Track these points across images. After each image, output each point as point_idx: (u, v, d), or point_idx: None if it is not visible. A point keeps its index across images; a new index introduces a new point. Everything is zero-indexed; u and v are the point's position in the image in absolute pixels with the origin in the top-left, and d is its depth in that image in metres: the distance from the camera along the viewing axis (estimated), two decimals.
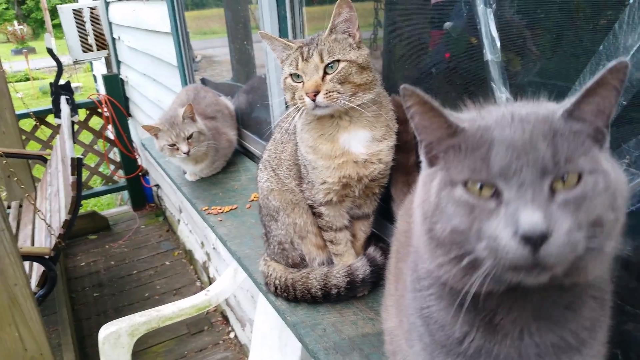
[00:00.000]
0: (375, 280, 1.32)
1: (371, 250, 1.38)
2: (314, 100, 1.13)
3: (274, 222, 1.39)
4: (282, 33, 1.76)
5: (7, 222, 2.28)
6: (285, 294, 1.35)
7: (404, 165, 1.32)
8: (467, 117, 0.64)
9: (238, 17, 2.40)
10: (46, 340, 2.58)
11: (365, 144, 1.21)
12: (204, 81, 3.02)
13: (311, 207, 1.32)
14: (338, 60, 1.14)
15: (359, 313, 1.28)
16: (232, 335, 3.37)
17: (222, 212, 1.89)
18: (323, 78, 1.14)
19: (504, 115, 0.60)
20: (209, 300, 2.21)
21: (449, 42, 1.17)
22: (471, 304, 0.61)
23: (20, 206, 4.02)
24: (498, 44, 0.97)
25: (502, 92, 0.98)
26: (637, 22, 0.74)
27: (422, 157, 0.68)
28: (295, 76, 1.17)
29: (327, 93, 1.13)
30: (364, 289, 1.33)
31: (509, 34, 0.99)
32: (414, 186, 1.17)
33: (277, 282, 1.36)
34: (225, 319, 3.51)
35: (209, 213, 1.90)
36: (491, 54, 0.98)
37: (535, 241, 0.52)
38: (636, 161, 0.78)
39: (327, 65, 1.14)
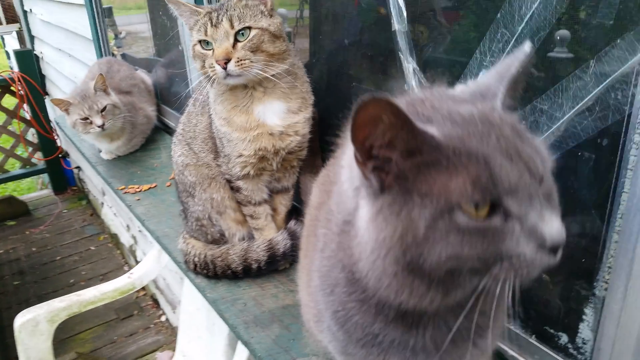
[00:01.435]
0: (297, 254, 1.32)
1: (292, 224, 1.38)
2: (225, 69, 1.10)
3: (191, 198, 1.36)
4: (197, 1, 1.70)
5: None
6: (205, 271, 1.33)
7: (311, 166, 1.33)
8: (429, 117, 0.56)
9: None
10: None
11: (280, 116, 1.20)
12: (124, 57, 2.92)
13: (229, 181, 1.30)
14: (249, 28, 1.11)
15: (279, 286, 1.29)
16: (163, 318, 3.32)
17: (140, 191, 1.84)
18: (234, 45, 1.10)
19: (471, 119, 0.55)
20: (133, 283, 2.15)
21: (360, 13, 1.17)
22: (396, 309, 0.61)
23: None
24: (404, 13, 0.98)
25: (409, 62, 1.00)
26: None
27: (365, 184, 0.58)
28: (204, 43, 1.13)
29: (238, 61, 1.10)
30: (285, 263, 1.34)
31: (415, 4, 1.00)
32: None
33: (196, 259, 1.34)
34: (156, 302, 3.45)
35: (125, 192, 1.84)
36: (398, 23, 0.99)
37: (559, 247, 0.53)
38: (530, 126, 0.81)
39: (237, 32, 1.10)
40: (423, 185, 0.54)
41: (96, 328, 3.27)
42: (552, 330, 0.88)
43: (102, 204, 4.24)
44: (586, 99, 0.72)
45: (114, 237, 4.06)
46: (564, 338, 0.86)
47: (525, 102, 0.82)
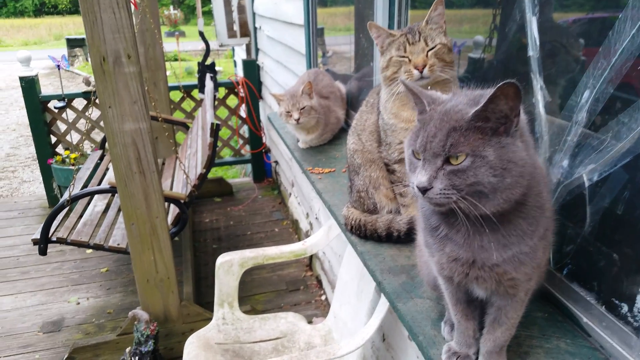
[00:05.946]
0: None
1: None
2: (421, 72, 1.46)
3: (356, 176, 1.75)
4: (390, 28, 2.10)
5: (158, 167, 2.83)
6: (358, 232, 1.71)
7: None
8: (440, 99, 0.94)
9: (362, 14, 2.72)
10: (173, 268, 3.05)
11: None
12: (328, 72, 3.31)
13: (386, 164, 1.66)
14: (437, 43, 1.46)
15: (412, 250, 1.59)
16: (323, 297, 3.73)
17: (322, 172, 2.30)
18: (426, 56, 1.47)
19: (440, 110, 0.89)
20: (305, 250, 2.61)
21: (509, 42, 1.45)
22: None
23: (163, 164, 4.74)
24: (537, 43, 1.25)
25: (537, 82, 1.26)
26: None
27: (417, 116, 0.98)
28: (401, 56, 1.51)
29: (430, 67, 1.46)
30: None
31: (546, 35, 1.25)
32: None
33: (353, 222, 1.72)
34: (319, 283, 3.87)
35: (312, 172, 2.31)
36: (532, 50, 1.26)
37: (421, 190, 0.88)
38: (615, 135, 1.03)
39: (430, 48, 1.47)
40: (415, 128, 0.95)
41: (268, 294, 3.78)
42: (617, 301, 1.07)
43: (290, 194, 4.81)
44: None
45: (295, 223, 4.59)
46: (625, 308, 1.05)
47: (613, 116, 1.04)
